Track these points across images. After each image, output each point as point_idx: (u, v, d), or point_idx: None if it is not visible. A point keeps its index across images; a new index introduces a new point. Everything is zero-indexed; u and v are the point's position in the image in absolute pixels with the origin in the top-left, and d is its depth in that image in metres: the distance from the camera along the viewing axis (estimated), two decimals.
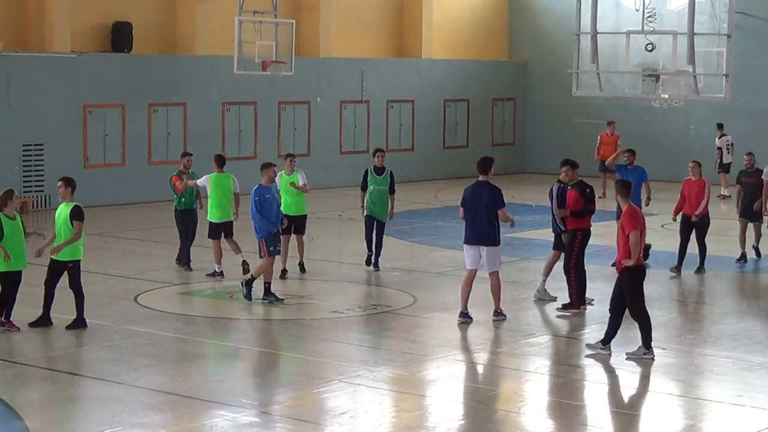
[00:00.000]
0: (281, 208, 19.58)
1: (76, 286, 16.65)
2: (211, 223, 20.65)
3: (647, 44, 22.64)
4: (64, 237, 16.47)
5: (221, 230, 20.62)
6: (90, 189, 30.30)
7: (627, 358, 15.25)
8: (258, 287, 18.48)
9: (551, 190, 18.44)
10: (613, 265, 17.21)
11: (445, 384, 14.48)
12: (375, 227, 21.12)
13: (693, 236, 21.15)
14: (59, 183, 16.85)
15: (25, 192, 29.27)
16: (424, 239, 25.55)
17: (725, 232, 25.03)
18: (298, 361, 15.55)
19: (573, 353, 15.88)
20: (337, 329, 17.26)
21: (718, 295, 19.78)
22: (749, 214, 22.41)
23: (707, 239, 21.35)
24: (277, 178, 20.09)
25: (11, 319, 16.40)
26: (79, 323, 16.58)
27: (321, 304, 18.36)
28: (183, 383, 14.22)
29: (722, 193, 32.68)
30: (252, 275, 18.61)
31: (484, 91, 40.52)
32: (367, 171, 21.28)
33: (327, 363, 15.33)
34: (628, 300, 15.20)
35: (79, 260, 16.65)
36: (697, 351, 16.18)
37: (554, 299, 18.47)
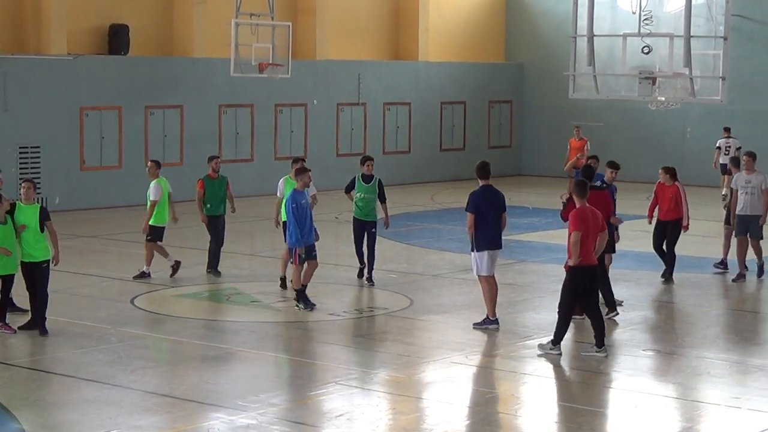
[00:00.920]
0: (283, 217, 19.29)
1: (45, 286, 16.51)
2: (160, 227, 20.58)
3: (644, 47, 22.64)
4: (33, 239, 16.28)
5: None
6: (86, 191, 30.32)
7: (539, 355, 15.57)
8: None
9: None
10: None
11: (442, 386, 14.48)
12: (366, 236, 20.51)
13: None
14: (27, 185, 16.50)
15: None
16: (421, 241, 25.55)
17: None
18: (294, 364, 15.55)
19: (570, 356, 15.88)
20: (333, 332, 17.26)
21: (714, 297, 19.78)
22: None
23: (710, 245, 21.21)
24: (281, 183, 19.83)
25: (6, 321, 16.36)
26: (42, 328, 16.37)
27: (318, 307, 18.33)
28: (179, 385, 14.22)
29: (723, 193, 32.75)
30: (294, 288, 18.26)
31: (481, 93, 40.54)
32: (355, 178, 20.67)
33: (324, 365, 15.34)
34: (561, 294, 15.63)
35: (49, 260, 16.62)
36: (693, 353, 16.18)
37: (620, 303, 18.39)
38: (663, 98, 23.58)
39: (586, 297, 15.63)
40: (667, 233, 20.62)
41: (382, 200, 20.65)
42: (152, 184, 20.47)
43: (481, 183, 17.04)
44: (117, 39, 31.42)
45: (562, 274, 19.52)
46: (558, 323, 15.66)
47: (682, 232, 20.62)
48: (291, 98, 34.93)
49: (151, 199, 20.37)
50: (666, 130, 38.23)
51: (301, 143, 35.38)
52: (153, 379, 14.52)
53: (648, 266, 21.71)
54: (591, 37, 22.86)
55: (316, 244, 18.41)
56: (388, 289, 20.08)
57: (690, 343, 16.83)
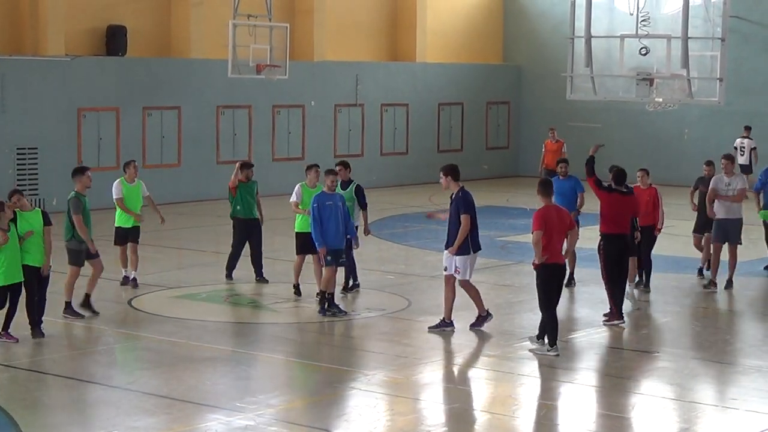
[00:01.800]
0: (296, 227, 18.96)
1: (46, 290, 16.43)
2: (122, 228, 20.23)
3: (641, 48, 22.66)
4: (40, 243, 16.18)
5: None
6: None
7: (530, 350, 15.74)
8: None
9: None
10: None
11: (440, 387, 14.48)
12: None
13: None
14: (17, 197, 16.25)
15: None
16: (419, 242, 25.54)
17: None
18: (292, 365, 15.54)
19: (567, 356, 15.88)
20: (331, 333, 17.26)
21: (711, 298, 19.77)
22: (707, 229, 20.65)
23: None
24: (297, 188, 19.14)
25: (9, 330, 16.16)
26: (38, 330, 16.30)
27: (315, 308, 18.33)
28: (177, 387, 14.22)
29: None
30: (322, 291, 17.94)
31: (479, 94, 40.54)
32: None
33: (322, 366, 15.33)
34: (537, 294, 15.82)
35: None
36: (690, 354, 16.20)
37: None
38: (660, 99, 23.60)
39: (558, 295, 15.82)
40: (643, 239, 19.44)
41: (363, 207, 19.65)
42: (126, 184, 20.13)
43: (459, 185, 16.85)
44: (114, 40, 31.41)
45: None
46: (546, 324, 15.75)
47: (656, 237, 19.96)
48: (289, 99, 34.91)
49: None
50: (663, 131, 38.23)
51: (299, 144, 35.38)
52: (151, 380, 14.52)
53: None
54: (588, 38, 22.88)
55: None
56: (386, 290, 20.08)
57: (687, 344, 16.85)
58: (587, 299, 19.25)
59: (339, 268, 18.21)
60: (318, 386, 14.43)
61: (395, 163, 37.79)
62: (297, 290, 19.19)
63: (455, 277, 16.78)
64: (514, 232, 26.02)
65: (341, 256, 17.90)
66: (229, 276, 20.46)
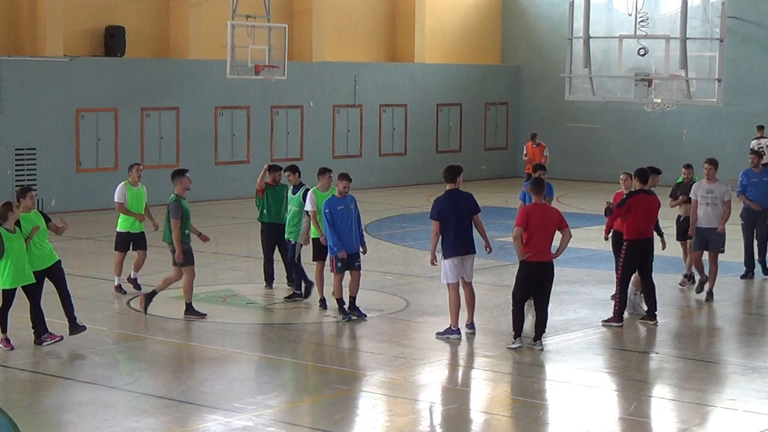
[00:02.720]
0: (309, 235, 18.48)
1: (65, 285, 16.30)
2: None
3: (640, 49, 22.69)
4: (42, 244, 16.03)
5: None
6: (82, 193, 30.31)
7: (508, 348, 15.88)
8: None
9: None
10: None
11: (438, 388, 14.48)
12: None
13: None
14: (31, 194, 16.08)
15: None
16: (417, 243, 25.54)
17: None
18: (290, 366, 15.54)
19: (565, 357, 15.89)
20: (329, 333, 17.26)
21: (709, 299, 19.74)
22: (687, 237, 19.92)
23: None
24: (311, 195, 18.31)
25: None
26: (79, 327, 16.25)
27: (314, 309, 18.33)
28: (175, 387, 14.21)
29: None
30: (335, 297, 17.70)
31: (477, 95, 40.56)
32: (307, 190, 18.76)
33: (319, 367, 15.33)
34: (514, 285, 16.07)
35: None
36: (690, 355, 16.20)
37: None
38: (659, 100, 23.64)
39: (537, 293, 15.94)
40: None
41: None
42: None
43: (447, 187, 16.65)
44: (113, 41, 31.42)
45: (559, 275, 19.55)
46: (513, 316, 16.00)
47: None
48: (287, 100, 34.92)
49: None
50: (662, 132, 38.26)
51: (297, 145, 35.39)
52: (149, 381, 14.52)
53: None
54: (587, 39, 22.91)
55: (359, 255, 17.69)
56: (384, 290, 20.07)
57: (685, 345, 16.85)
58: (586, 300, 19.23)
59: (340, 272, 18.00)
60: (316, 387, 14.42)
61: (394, 163, 37.80)
62: (323, 304, 18.37)
63: (457, 283, 16.64)
64: (512, 233, 26.02)
65: (356, 260, 17.58)
66: (268, 285, 19.82)
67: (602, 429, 13.04)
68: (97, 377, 14.48)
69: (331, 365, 15.51)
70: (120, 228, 19.80)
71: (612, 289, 18.79)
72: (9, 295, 15.79)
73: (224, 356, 15.84)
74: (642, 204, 17.36)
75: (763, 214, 20.89)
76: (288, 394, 14.17)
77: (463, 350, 16.10)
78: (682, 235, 20.26)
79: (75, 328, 16.07)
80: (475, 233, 16.58)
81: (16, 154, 29.41)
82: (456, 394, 14.22)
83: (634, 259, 17.32)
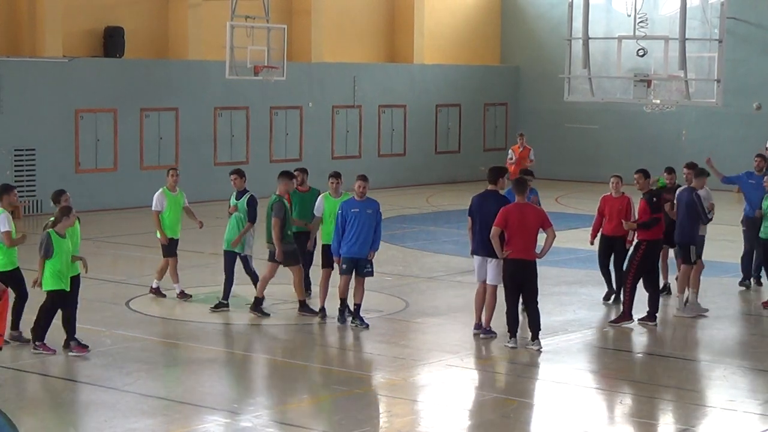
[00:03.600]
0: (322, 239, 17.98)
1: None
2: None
3: (639, 49, 22.69)
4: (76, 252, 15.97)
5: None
6: (81, 194, 30.30)
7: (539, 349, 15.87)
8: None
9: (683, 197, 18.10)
10: None
11: (437, 389, 14.48)
12: (236, 262, 18.53)
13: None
14: (66, 197, 16.03)
15: None
16: (416, 244, 25.54)
17: (722, 236, 24.97)
18: (289, 367, 15.53)
19: (564, 358, 15.89)
20: (328, 334, 17.26)
21: (709, 300, 19.75)
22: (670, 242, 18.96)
23: None
24: (320, 199, 18.03)
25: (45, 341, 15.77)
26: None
27: (313, 308, 18.31)
28: (175, 388, 14.21)
29: None
30: (342, 299, 17.42)
31: (476, 96, 40.55)
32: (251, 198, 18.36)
33: (318, 368, 15.33)
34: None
35: None
36: (689, 356, 16.20)
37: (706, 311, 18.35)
38: (658, 101, 23.62)
39: (523, 292, 15.97)
40: (615, 250, 18.66)
41: (251, 220, 18.20)
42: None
43: (488, 187, 16.75)
44: (112, 41, 31.41)
45: (558, 276, 19.58)
46: (507, 315, 16.08)
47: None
48: (286, 101, 34.92)
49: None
50: (661, 132, 38.26)
51: (297, 146, 35.39)
52: (148, 381, 14.51)
53: None
54: (586, 39, 22.91)
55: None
56: (384, 291, 20.07)
57: (685, 346, 16.84)
58: (585, 301, 19.23)
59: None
60: (315, 388, 14.42)
61: (393, 164, 37.79)
62: (322, 313, 17.87)
63: (481, 282, 16.70)
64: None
65: (365, 266, 17.16)
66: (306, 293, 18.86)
67: (600, 429, 13.04)
68: (96, 378, 14.48)
69: (329, 366, 15.51)
70: (167, 234, 19.14)
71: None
72: (55, 298, 15.59)
73: (223, 357, 15.84)
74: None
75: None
76: (287, 394, 14.17)
77: (461, 351, 16.09)
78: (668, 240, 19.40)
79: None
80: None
81: (15, 155, 29.39)
82: (455, 395, 14.21)
83: (651, 260, 17.40)
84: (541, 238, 16.04)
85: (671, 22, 23.23)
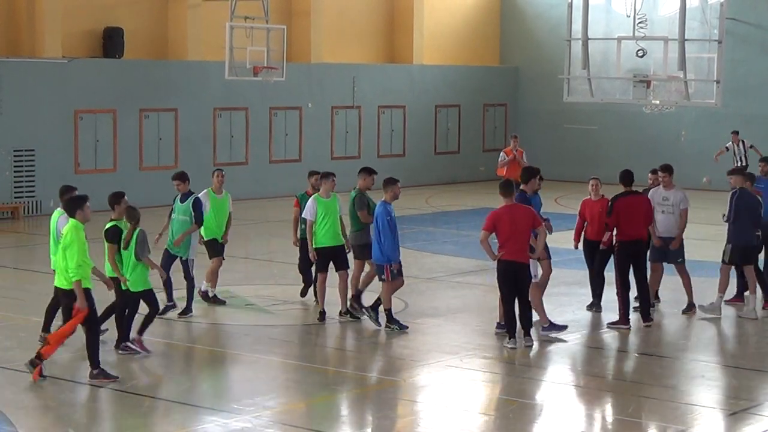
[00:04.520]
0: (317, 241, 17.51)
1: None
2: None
3: (638, 50, 22.69)
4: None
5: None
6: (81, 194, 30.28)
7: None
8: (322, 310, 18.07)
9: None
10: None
11: (437, 390, 14.48)
12: (176, 265, 17.92)
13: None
14: (123, 199, 15.98)
15: (16, 198, 29.26)
16: (416, 245, 25.53)
17: (712, 237, 24.97)
18: (289, 367, 15.52)
19: (563, 359, 15.90)
20: (328, 335, 17.26)
21: (708, 299, 19.74)
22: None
23: None
24: (312, 202, 17.54)
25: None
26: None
27: (312, 310, 18.32)
28: (174, 389, 14.21)
29: None
30: (385, 309, 17.16)
31: (476, 96, 40.55)
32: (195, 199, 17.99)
33: (318, 368, 15.33)
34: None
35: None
36: (688, 357, 16.20)
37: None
38: (657, 101, 23.64)
39: (519, 291, 15.99)
40: (597, 254, 18.14)
41: (198, 223, 17.85)
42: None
43: (521, 187, 17.02)
44: (111, 42, 31.41)
45: (558, 276, 19.56)
46: (504, 316, 16.12)
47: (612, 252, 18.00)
48: (286, 101, 34.91)
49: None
50: (660, 133, 38.25)
51: (296, 147, 35.39)
52: (148, 382, 14.50)
53: None
54: (585, 40, 22.91)
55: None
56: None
57: (684, 347, 16.85)
58: (585, 301, 19.20)
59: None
60: (315, 388, 14.42)
61: (392, 164, 37.70)
62: (322, 316, 17.68)
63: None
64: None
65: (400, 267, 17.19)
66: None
67: (599, 430, 13.04)
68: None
69: (329, 366, 15.51)
70: (207, 237, 18.67)
71: (607, 291, 18.85)
72: (136, 300, 15.53)
73: (222, 357, 15.84)
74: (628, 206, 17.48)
75: None
76: (287, 395, 14.17)
77: (461, 351, 16.09)
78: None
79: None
80: None
81: (14, 156, 29.39)
82: (454, 395, 14.21)
83: (628, 260, 17.38)
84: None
85: (671, 23, 23.23)
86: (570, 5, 23.34)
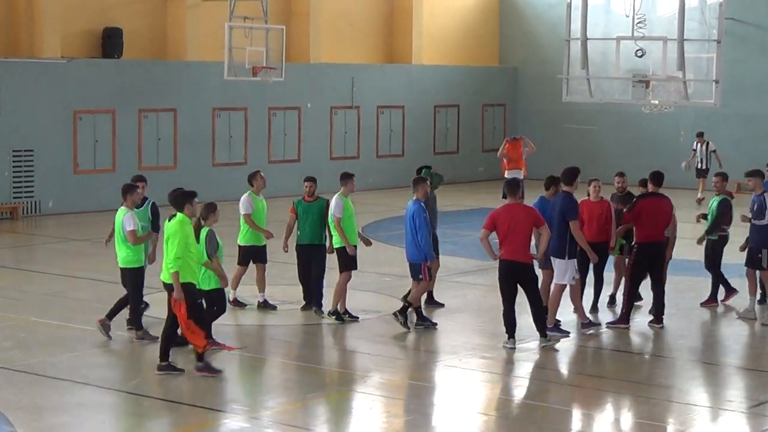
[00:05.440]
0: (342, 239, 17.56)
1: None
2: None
3: (637, 50, 22.68)
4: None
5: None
6: (80, 194, 30.28)
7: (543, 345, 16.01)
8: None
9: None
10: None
11: (436, 389, 14.48)
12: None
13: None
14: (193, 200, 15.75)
15: (15, 198, 29.24)
16: None
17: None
18: (289, 367, 15.53)
19: (563, 359, 15.90)
20: (328, 335, 17.26)
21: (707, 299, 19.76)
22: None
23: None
24: (336, 200, 17.57)
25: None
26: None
27: (312, 309, 18.31)
28: (174, 389, 14.20)
29: (699, 197, 32.88)
30: (415, 307, 17.24)
31: (475, 96, 40.55)
32: (148, 201, 17.49)
33: (318, 369, 15.33)
34: None
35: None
36: (685, 357, 16.21)
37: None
38: (656, 101, 23.63)
39: (526, 292, 15.99)
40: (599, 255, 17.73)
41: (155, 229, 17.24)
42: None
43: (564, 188, 16.99)
44: (110, 42, 31.40)
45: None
46: (503, 316, 16.09)
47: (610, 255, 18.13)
48: (284, 101, 34.91)
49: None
50: (659, 133, 38.26)
51: (295, 147, 35.38)
52: (147, 382, 14.50)
53: None
54: (584, 40, 22.90)
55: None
56: (382, 292, 20.06)
57: (682, 346, 16.85)
58: (585, 301, 19.18)
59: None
60: (314, 388, 14.41)
61: (391, 165, 37.77)
62: (339, 316, 17.68)
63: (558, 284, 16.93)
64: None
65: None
66: (316, 308, 18.19)
67: (597, 430, 13.04)
68: (94, 378, 14.47)
69: (328, 366, 15.51)
70: (243, 242, 18.56)
71: (607, 291, 18.85)
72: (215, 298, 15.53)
73: (222, 357, 15.83)
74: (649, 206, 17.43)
75: None
76: (286, 395, 14.17)
77: (460, 351, 16.09)
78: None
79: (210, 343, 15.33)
80: None
81: (13, 156, 29.37)
82: (453, 395, 14.21)
83: (645, 262, 17.34)
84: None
85: (670, 23, 23.22)
86: (569, 5, 23.34)
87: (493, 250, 15.97)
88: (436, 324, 17.35)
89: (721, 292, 19.29)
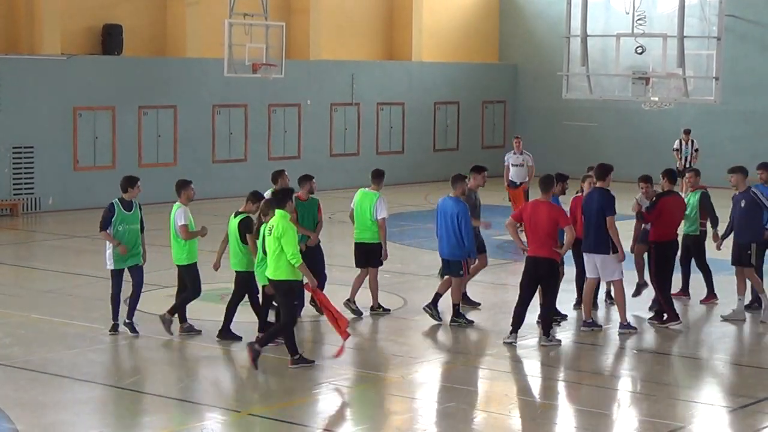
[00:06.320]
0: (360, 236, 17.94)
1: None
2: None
3: (637, 47, 22.65)
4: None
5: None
6: (80, 191, 30.29)
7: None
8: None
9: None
10: None
11: (435, 386, 14.49)
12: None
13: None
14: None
15: (15, 195, 29.25)
16: (414, 242, 25.54)
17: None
18: (287, 364, 15.52)
19: (562, 356, 15.90)
20: (326, 331, 17.25)
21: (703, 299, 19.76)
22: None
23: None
24: (381, 200, 17.91)
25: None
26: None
27: (310, 307, 18.31)
28: (172, 385, 14.21)
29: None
30: (455, 303, 17.30)
31: (475, 93, 40.55)
32: (112, 205, 16.38)
33: (317, 365, 15.32)
34: None
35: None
36: (686, 354, 16.21)
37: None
38: (656, 98, 23.60)
39: (541, 288, 16.11)
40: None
41: (141, 230, 16.70)
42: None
43: (598, 184, 17.09)
44: (110, 39, 31.41)
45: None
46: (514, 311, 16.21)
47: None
48: (284, 98, 34.91)
49: None
50: (659, 130, 38.25)
51: (295, 143, 35.38)
52: (146, 379, 14.51)
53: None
54: (584, 37, 22.88)
55: None
56: (382, 289, 20.01)
57: (683, 344, 16.85)
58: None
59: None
60: (314, 385, 14.41)
61: (391, 162, 37.74)
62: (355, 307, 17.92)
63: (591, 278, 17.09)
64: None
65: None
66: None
67: (598, 427, 13.04)
68: (93, 375, 14.48)
69: (327, 363, 15.50)
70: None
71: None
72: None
73: (221, 354, 15.84)
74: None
75: None
76: (284, 392, 14.17)
77: (460, 348, 16.10)
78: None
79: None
80: None
81: (13, 153, 29.38)
82: (453, 392, 14.21)
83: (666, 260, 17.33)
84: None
85: (670, 20, 23.17)
86: (569, 2, 23.30)
87: (522, 241, 16.31)
88: (472, 322, 17.30)
89: (702, 291, 19.11)
